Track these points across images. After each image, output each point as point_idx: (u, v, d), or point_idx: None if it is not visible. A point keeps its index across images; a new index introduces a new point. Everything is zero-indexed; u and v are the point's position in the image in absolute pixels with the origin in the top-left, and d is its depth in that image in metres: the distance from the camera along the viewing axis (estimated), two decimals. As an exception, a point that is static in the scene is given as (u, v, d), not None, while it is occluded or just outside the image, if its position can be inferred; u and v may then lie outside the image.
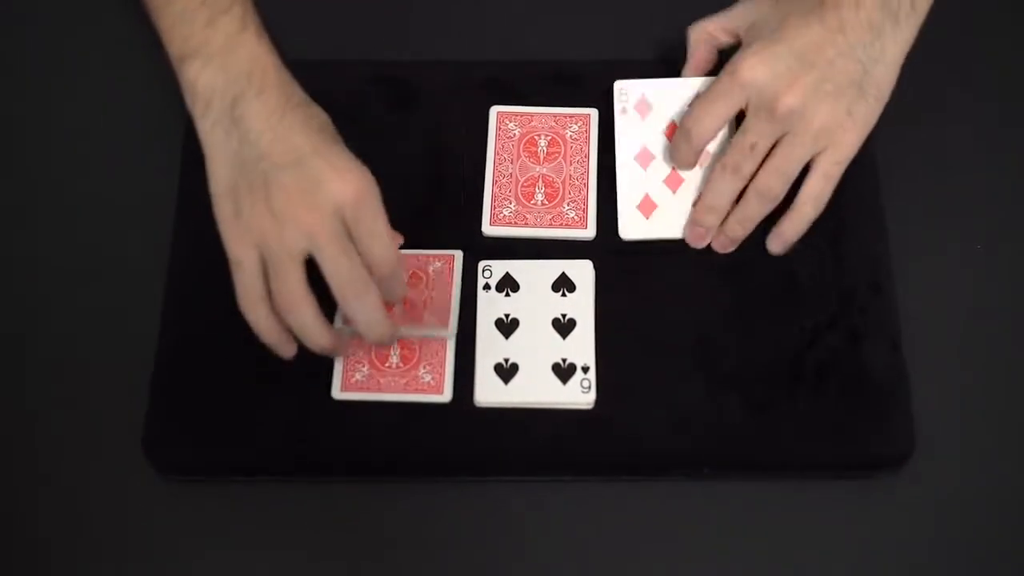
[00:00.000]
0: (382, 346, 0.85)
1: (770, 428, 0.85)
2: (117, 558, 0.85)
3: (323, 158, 0.78)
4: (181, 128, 0.92)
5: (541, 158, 0.93)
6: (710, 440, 0.85)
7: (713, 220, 0.89)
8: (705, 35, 0.92)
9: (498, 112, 0.95)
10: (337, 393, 0.86)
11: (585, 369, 0.86)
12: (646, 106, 0.93)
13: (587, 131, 0.94)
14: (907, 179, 0.93)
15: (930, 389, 0.86)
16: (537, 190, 0.92)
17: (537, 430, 0.85)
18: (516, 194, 0.92)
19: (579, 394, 0.86)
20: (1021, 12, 0.96)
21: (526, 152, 0.93)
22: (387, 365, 0.87)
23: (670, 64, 0.95)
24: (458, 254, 0.90)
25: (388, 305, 0.83)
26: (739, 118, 0.87)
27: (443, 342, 0.87)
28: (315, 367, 0.86)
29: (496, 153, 0.93)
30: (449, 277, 0.89)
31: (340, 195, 0.77)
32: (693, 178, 0.91)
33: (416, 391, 0.86)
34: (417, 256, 0.89)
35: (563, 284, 0.89)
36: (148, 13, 0.82)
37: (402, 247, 0.85)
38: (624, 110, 0.93)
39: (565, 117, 0.94)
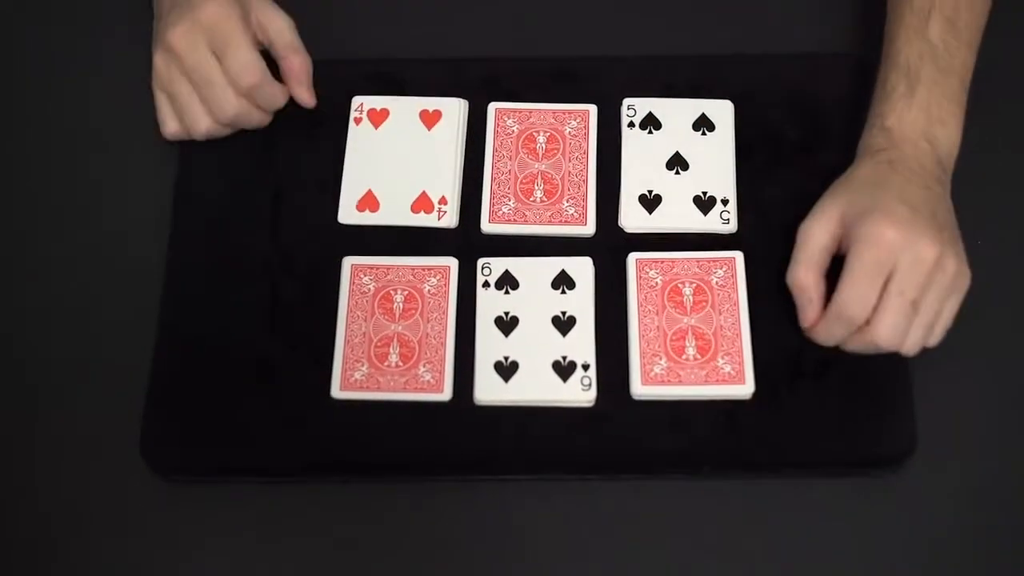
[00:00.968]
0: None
1: (770, 427, 0.85)
2: (115, 559, 0.85)
3: None
4: (180, 128, 0.92)
5: (540, 155, 0.93)
6: (710, 439, 0.85)
7: (844, 333, 0.84)
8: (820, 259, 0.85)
9: (496, 109, 0.94)
10: (336, 392, 0.86)
11: (585, 367, 0.86)
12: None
13: (586, 127, 0.93)
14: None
15: (930, 389, 0.86)
16: (536, 187, 0.92)
17: (537, 428, 0.85)
18: (515, 191, 0.91)
19: (579, 392, 0.86)
20: (1022, 12, 0.96)
21: (525, 149, 0.93)
22: (387, 364, 0.87)
23: (669, 60, 0.95)
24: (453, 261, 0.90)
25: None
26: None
27: (442, 341, 0.87)
28: (315, 367, 0.86)
29: (494, 150, 0.93)
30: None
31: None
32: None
33: (416, 390, 0.86)
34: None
35: (563, 281, 0.89)
36: None
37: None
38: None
39: (564, 113, 0.94)
